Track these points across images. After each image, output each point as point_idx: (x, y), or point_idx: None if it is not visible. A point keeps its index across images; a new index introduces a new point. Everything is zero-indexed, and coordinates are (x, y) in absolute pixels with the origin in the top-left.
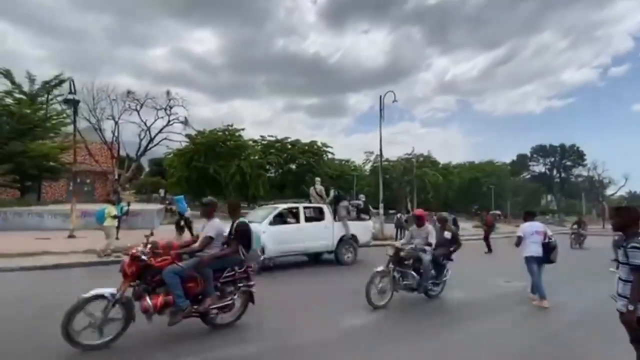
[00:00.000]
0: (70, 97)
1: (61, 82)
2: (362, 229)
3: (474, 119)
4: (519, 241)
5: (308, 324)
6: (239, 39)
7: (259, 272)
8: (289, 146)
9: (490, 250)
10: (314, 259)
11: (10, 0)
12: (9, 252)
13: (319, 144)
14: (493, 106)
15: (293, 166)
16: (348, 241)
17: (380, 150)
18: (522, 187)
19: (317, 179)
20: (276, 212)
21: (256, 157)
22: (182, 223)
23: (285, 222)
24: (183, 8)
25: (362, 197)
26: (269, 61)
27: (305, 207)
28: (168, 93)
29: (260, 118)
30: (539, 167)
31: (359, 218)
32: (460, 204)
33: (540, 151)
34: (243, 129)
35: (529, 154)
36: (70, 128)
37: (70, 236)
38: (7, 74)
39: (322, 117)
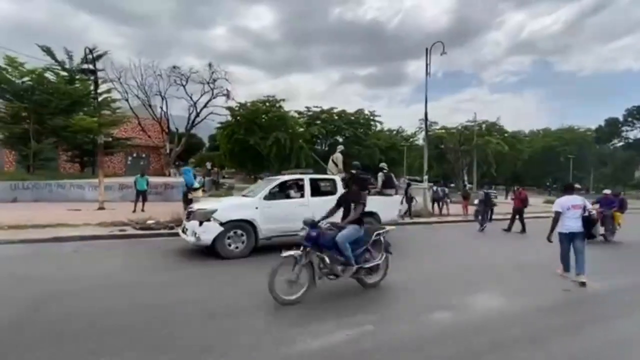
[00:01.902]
0: (86, 66)
1: (99, 56)
2: (385, 206)
3: (553, 81)
4: (557, 217)
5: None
6: (294, 12)
7: (246, 255)
8: (335, 117)
9: (524, 229)
10: None
11: None
12: (23, 224)
13: (366, 112)
14: (579, 65)
15: (340, 138)
16: (367, 219)
17: (426, 114)
18: (610, 156)
19: (340, 146)
20: (274, 184)
21: (300, 129)
22: (190, 196)
23: (287, 197)
24: None
25: (384, 166)
26: (324, 32)
27: (312, 179)
28: (210, 66)
29: (316, 92)
30: (634, 133)
31: (380, 193)
32: (531, 177)
33: (638, 114)
34: (283, 100)
35: (621, 118)
36: (119, 104)
37: (100, 208)
38: (49, 51)
39: (379, 87)
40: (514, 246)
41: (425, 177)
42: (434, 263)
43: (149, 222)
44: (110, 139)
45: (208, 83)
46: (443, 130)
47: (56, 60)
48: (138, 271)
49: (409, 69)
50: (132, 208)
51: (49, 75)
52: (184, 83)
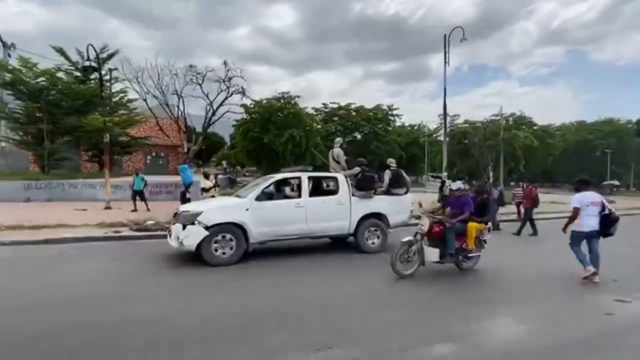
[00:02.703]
0: (87, 63)
1: (110, 55)
2: (395, 206)
3: (588, 71)
4: (576, 214)
5: None
6: (315, 9)
7: (235, 262)
8: (353, 113)
9: (536, 232)
10: (337, 242)
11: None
12: (21, 225)
13: (384, 107)
14: (615, 54)
15: (358, 135)
16: (373, 222)
17: (444, 105)
18: None
19: (338, 139)
20: (267, 183)
21: (317, 126)
22: (188, 195)
23: (282, 197)
24: None
25: (391, 162)
26: (345, 29)
27: (310, 178)
28: (225, 64)
29: (337, 89)
30: None
31: (388, 192)
32: (563, 173)
33: None
34: (298, 97)
35: None
36: (136, 104)
37: (107, 207)
38: (61, 52)
39: (402, 82)
40: (533, 252)
41: (445, 173)
42: (441, 277)
43: (149, 222)
44: (128, 138)
45: (224, 81)
46: (467, 125)
47: (70, 61)
48: (107, 280)
49: (432, 63)
50: (138, 208)
51: (62, 75)
52: (200, 82)
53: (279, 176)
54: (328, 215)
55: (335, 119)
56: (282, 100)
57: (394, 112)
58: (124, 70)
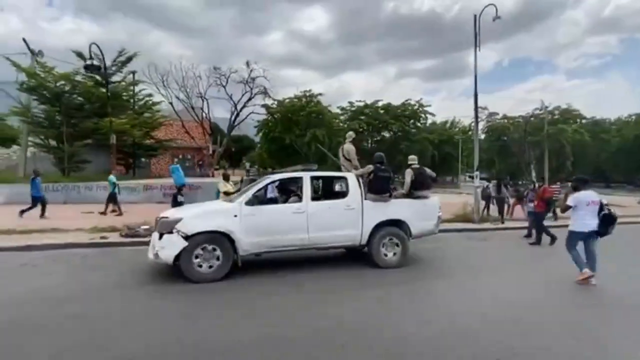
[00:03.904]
0: (90, 62)
1: (129, 59)
2: (419, 211)
3: None
4: (566, 209)
5: None
6: (347, 10)
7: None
8: (381, 111)
9: (552, 237)
10: (353, 252)
11: (160, 10)
12: (14, 229)
13: (412, 103)
14: None
15: (386, 133)
16: (391, 230)
17: (475, 94)
18: None
19: (349, 133)
20: (260, 185)
21: (343, 125)
22: (180, 198)
23: (280, 201)
24: None
25: (413, 159)
26: (378, 28)
27: (314, 178)
28: (248, 64)
29: (371, 89)
30: None
31: (409, 195)
32: (620, 171)
33: None
34: (320, 94)
35: None
36: (162, 107)
37: (113, 210)
38: (81, 55)
39: (438, 80)
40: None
41: (476, 172)
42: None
43: (143, 227)
44: (153, 141)
45: (247, 82)
46: (505, 120)
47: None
48: (57, 296)
49: (470, 59)
50: (149, 210)
51: (80, 79)
52: (224, 84)
53: (275, 176)
54: (334, 222)
55: (362, 117)
56: (304, 99)
57: (425, 108)
58: (150, 75)
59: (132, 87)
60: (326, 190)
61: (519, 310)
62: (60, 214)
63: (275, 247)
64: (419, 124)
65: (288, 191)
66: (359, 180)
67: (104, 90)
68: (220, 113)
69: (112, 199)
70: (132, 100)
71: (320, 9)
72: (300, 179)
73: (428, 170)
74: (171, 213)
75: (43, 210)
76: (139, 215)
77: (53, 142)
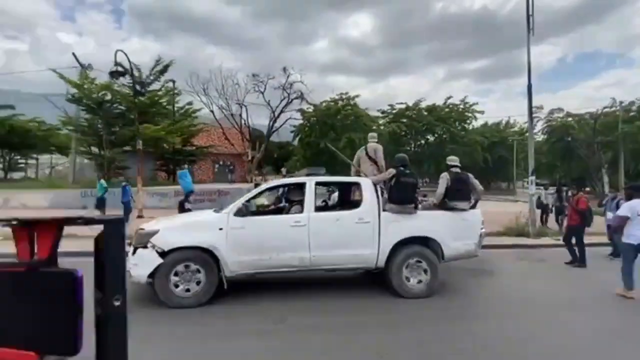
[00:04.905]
0: (114, 68)
1: (166, 67)
2: (454, 227)
3: None
4: (623, 223)
5: None
6: (394, 14)
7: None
8: (424, 113)
9: (576, 259)
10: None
11: (214, 27)
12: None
13: (456, 102)
14: None
15: (430, 137)
16: (416, 250)
17: (529, 86)
18: None
19: (372, 134)
20: (254, 193)
21: (383, 128)
22: (188, 206)
23: (278, 211)
24: None
25: (453, 160)
26: (425, 30)
27: (319, 184)
28: (285, 70)
29: (418, 92)
30: None
31: (442, 206)
32: None
33: None
34: (357, 96)
35: None
36: (203, 114)
37: (139, 216)
38: (120, 66)
39: (492, 80)
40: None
41: (531, 177)
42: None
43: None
44: (194, 147)
45: (284, 88)
46: (570, 119)
47: (131, 75)
48: None
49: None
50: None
51: (118, 88)
52: (262, 90)
53: (273, 183)
54: (343, 239)
55: (404, 120)
56: (340, 102)
57: (472, 108)
58: (192, 84)
59: (172, 95)
60: (337, 199)
61: None
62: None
63: (269, 268)
64: (466, 126)
65: (297, 201)
66: (376, 188)
67: (142, 98)
68: (259, 119)
69: (101, 203)
70: (171, 108)
71: (366, 15)
72: (303, 184)
73: (471, 177)
74: (151, 224)
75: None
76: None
77: (95, 149)
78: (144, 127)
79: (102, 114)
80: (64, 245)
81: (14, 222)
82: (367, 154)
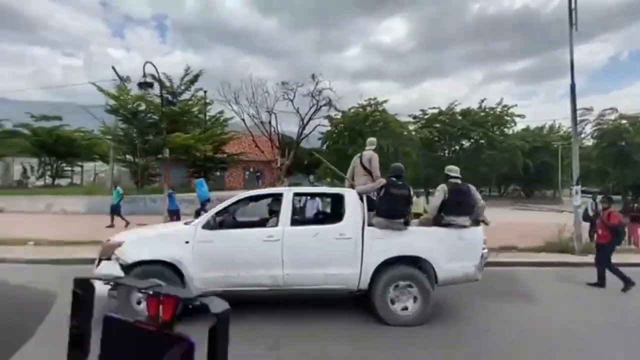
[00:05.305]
0: (142, 79)
1: (196, 77)
2: (450, 246)
3: None
4: None
5: None
6: (428, 17)
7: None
8: (459, 117)
9: (626, 281)
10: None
11: (249, 38)
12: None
13: (493, 106)
14: None
15: (465, 142)
16: (405, 272)
17: (572, 86)
18: None
19: (371, 139)
20: (226, 204)
21: (414, 134)
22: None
23: (259, 224)
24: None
25: (453, 170)
26: (462, 32)
27: (298, 195)
28: (313, 77)
29: (454, 96)
30: None
31: (439, 222)
32: None
33: None
34: (385, 101)
35: None
36: (234, 122)
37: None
38: (153, 78)
39: (535, 82)
40: None
41: (577, 187)
42: None
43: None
44: (225, 155)
45: (313, 95)
46: (624, 121)
47: (164, 86)
48: None
49: (575, 55)
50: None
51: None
52: (292, 97)
53: (249, 193)
54: (321, 256)
55: (437, 125)
56: (368, 108)
57: (510, 110)
58: (224, 93)
59: (202, 104)
60: (316, 212)
61: None
62: (119, 224)
63: (238, 286)
64: (506, 130)
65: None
66: (362, 200)
67: (173, 107)
68: (288, 126)
69: (115, 210)
70: (203, 117)
71: (399, 19)
72: (280, 195)
73: (473, 190)
74: (120, 235)
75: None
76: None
77: (130, 157)
78: (174, 135)
79: (136, 123)
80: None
81: (150, 292)
82: (361, 163)
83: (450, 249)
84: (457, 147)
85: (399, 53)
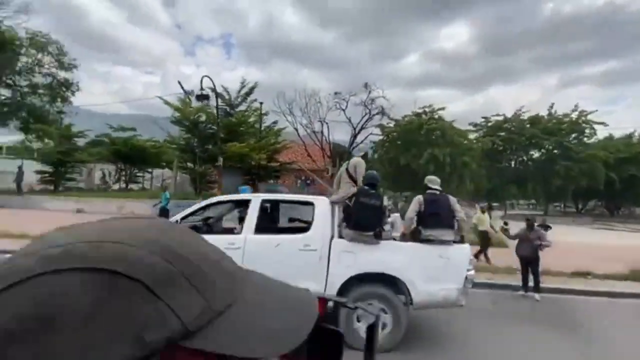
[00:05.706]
0: (200, 92)
1: (251, 89)
2: (428, 264)
3: None
4: None
5: None
6: (493, 19)
7: None
8: (527, 125)
9: None
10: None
11: (307, 50)
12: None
13: (567, 112)
14: None
15: (534, 152)
16: (376, 291)
17: None
18: None
19: (361, 146)
20: (192, 209)
21: (476, 143)
22: None
23: (215, 231)
24: (432, 6)
25: (432, 181)
26: (532, 35)
27: (266, 202)
28: (366, 86)
29: (525, 102)
30: None
31: (416, 237)
32: None
33: None
34: (442, 108)
35: None
36: (288, 132)
37: None
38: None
39: (619, 85)
40: None
41: None
42: None
43: None
44: (278, 164)
45: (365, 104)
46: None
47: (222, 98)
48: None
49: None
50: None
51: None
52: (344, 107)
53: (218, 198)
54: (282, 268)
55: (502, 133)
56: (423, 116)
57: (588, 117)
58: (278, 104)
59: (258, 115)
60: (283, 220)
61: None
62: None
63: None
64: (585, 139)
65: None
66: (333, 209)
67: (230, 118)
68: (341, 135)
69: (163, 213)
70: (258, 127)
71: (461, 24)
72: (247, 201)
73: (453, 201)
74: None
75: None
76: None
77: (190, 165)
78: (230, 145)
79: (197, 133)
80: None
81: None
82: (347, 170)
83: (428, 268)
84: (525, 158)
85: (460, 58)
